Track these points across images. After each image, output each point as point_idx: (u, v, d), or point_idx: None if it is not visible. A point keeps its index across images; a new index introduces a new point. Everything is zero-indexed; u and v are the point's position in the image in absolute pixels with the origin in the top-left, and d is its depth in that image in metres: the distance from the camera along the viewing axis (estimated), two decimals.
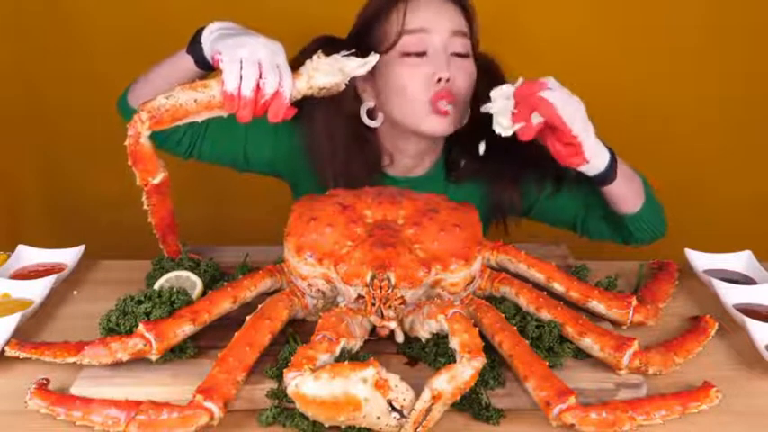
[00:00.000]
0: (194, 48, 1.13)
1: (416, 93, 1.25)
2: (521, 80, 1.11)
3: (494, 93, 1.12)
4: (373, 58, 1.07)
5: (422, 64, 1.25)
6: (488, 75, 1.34)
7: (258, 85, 1.02)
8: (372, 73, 1.29)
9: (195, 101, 1.03)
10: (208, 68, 1.15)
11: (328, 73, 1.05)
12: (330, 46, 1.31)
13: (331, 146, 1.33)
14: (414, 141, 1.34)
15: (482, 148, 1.18)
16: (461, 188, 1.40)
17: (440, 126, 1.26)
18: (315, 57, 1.06)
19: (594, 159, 1.15)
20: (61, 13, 2.11)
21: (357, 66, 1.06)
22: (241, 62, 1.02)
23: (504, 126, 1.11)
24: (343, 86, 1.08)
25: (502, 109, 1.11)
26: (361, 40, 1.32)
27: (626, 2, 2.15)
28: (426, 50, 1.25)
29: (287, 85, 1.04)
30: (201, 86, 1.04)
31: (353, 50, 1.08)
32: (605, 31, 2.16)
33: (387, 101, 1.29)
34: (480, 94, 1.35)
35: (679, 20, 2.15)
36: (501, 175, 1.36)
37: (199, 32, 1.13)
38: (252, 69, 1.02)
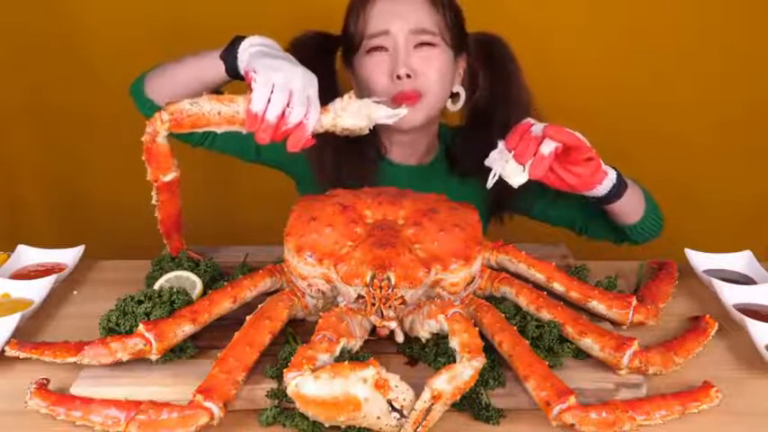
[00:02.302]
0: (228, 56, 1.12)
1: (381, 87, 1.28)
2: (500, 142, 1.10)
3: (487, 162, 1.11)
4: (401, 111, 1.08)
5: (383, 59, 1.28)
6: (491, 58, 1.35)
7: (284, 113, 1.02)
8: (353, 69, 1.35)
9: (219, 113, 1.03)
10: (237, 78, 1.14)
11: (355, 116, 1.06)
12: (322, 43, 1.34)
13: (331, 144, 1.33)
14: (398, 133, 1.37)
15: (490, 182, 1.11)
16: (464, 182, 1.40)
17: (407, 117, 1.27)
18: (346, 96, 1.06)
19: (599, 186, 1.16)
20: (61, 14, 2.11)
21: (385, 116, 1.07)
22: (273, 86, 1.01)
23: (515, 173, 1.08)
24: (367, 131, 1.08)
25: (503, 166, 1.09)
26: (344, 37, 1.36)
27: (625, 1, 2.15)
28: (387, 47, 1.28)
29: (312, 117, 1.03)
30: (228, 100, 1.03)
31: (383, 99, 1.10)
32: (604, 32, 2.15)
33: (363, 96, 1.31)
34: (481, 79, 1.37)
35: (679, 19, 2.15)
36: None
37: (236, 40, 1.12)
38: (281, 96, 1.01)
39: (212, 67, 1.15)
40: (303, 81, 1.03)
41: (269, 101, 1.01)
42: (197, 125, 1.04)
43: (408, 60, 1.27)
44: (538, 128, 1.07)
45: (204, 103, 1.03)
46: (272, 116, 1.01)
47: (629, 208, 1.26)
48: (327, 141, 1.32)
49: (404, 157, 1.42)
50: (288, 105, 1.02)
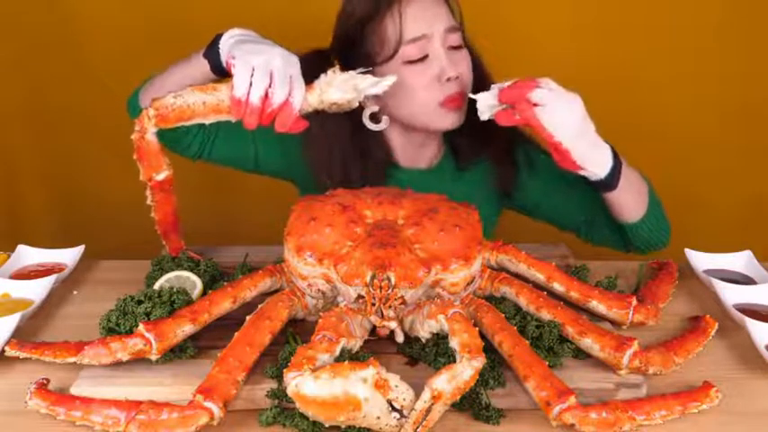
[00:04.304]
0: (211, 52, 1.13)
1: (427, 96, 1.24)
2: (506, 83, 1.10)
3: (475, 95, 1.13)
4: (390, 80, 1.07)
5: (426, 68, 1.24)
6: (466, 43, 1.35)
7: (267, 94, 1.02)
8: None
9: (203, 103, 1.04)
10: (223, 74, 1.14)
11: (341, 89, 1.05)
12: (318, 60, 1.28)
13: (333, 152, 1.32)
14: (414, 135, 1.36)
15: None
16: (472, 175, 1.40)
17: (451, 121, 1.27)
18: (330, 71, 1.06)
19: (591, 166, 1.14)
20: (61, 14, 2.11)
21: (371, 84, 1.06)
22: (253, 69, 1.02)
23: (485, 110, 1.12)
24: (356, 104, 1.07)
25: (483, 100, 1.11)
26: (352, 46, 1.29)
27: (624, 1, 2.15)
28: (428, 54, 1.24)
29: (297, 96, 1.03)
30: (211, 89, 1.04)
31: (370, 69, 1.07)
32: (604, 31, 2.15)
33: (395, 105, 1.28)
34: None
35: (679, 19, 2.15)
36: (498, 151, 1.37)
37: (218, 38, 1.13)
38: (262, 77, 1.02)
39: (198, 68, 1.15)
40: (283, 61, 1.03)
41: (251, 84, 1.02)
42: (183, 118, 1.05)
43: (453, 63, 1.25)
44: (534, 93, 1.07)
45: (188, 95, 1.04)
46: (255, 98, 1.02)
47: (628, 202, 1.24)
48: (336, 146, 1.31)
49: (411, 160, 1.41)
50: (270, 86, 1.02)
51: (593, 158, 1.14)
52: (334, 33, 1.32)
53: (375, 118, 1.29)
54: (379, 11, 1.25)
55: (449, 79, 1.23)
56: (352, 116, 1.29)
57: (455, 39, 1.27)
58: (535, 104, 1.07)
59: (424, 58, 1.24)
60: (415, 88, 1.25)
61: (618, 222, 1.29)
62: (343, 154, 1.33)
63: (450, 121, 1.27)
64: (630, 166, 1.23)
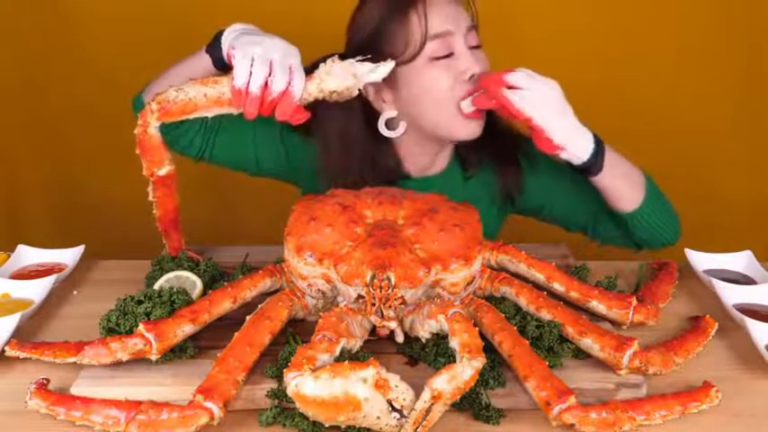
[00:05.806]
0: (213, 48, 1.15)
1: (448, 93, 1.22)
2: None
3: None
4: (388, 65, 1.07)
5: (451, 65, 1.22)
6: None
7: (267, 83, 1.04)
8: (392, 83, 1.25)
9: (205, 95, 1.06)
10: (225, 69, 1.15)
11: (340, 77, 1.06)
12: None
13: (352, 160, 1.31)
14: (429, 145, 1.34)
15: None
16: (479, 180, 1.39)
17: (474, 130, 1.26)
18: (329, 60, 1.07)
19: (572, 149, 1.17)
20: (61, 13, 2.11)
21: (369, 70, 1.07)
22: (253, 59, 1.04)
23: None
24: (356, 92, 1.08)
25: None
26: (372, 47, 1.23)
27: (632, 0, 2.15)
28: (453, 51, 1.23)
29: (297, 85, 1.05)
30: (212, 82, 1.06)
31: (368, 56, 1.08)
32: (607, 29, 2.15)
33: (415, 108, 1.26)
34: None
35: (682, 18, 2.15)
36: (501, 154, 1.37)
37: (219, 33, 1.15)
38: (262, 67, 1.03)
39: (200, 65, 1.17)
40: (283, 51, 1.05)
41: (251, 74, 1.03)
42: (186, 111, 1.06)
43: (476, 60, 1.24)
44: (513, 77, 1.14)
45: (189, 88, 1.06)
46: (254, 87, 1.03)
47: (620, 187, 1.24)
48: (356, 155, 1.30)
49: (422, 169, 1.39)
50: (270, 75, 1.03)
51: (574, 141, 1.17)
52: (349, 40, 1.29)
53: (390, 125, 1.28)
54: (401, 8, 1.23)
55: (472, 77, 1.22)
56: (371, 125, 1.29)
57: (474, 37, 1.26)
58: (511, 87, 1.14)
59: (449, 56, 1.23)
60: (441, 85, 1.22)
61: (619, 215, 1.29)
62: (361, 163, 1.31)
63: (471, 129, 1.26)
64: (619, 152, 1.24)
